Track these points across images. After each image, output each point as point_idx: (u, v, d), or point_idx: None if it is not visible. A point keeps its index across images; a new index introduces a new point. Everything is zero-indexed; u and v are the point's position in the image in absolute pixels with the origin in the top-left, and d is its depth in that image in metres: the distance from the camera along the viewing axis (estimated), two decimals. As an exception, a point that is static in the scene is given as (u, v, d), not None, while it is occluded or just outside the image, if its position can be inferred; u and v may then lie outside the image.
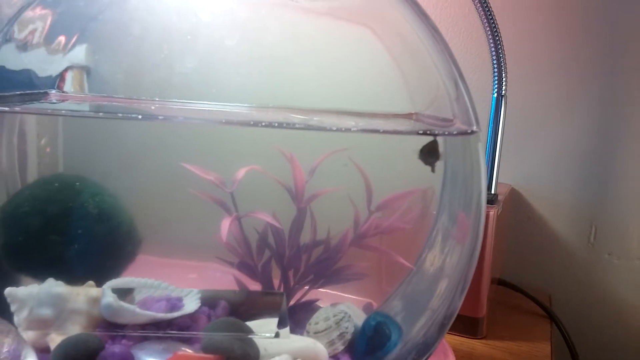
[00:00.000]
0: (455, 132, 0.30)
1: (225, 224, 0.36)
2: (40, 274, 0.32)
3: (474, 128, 0.30)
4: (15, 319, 0.31)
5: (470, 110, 0.32)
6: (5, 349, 0.26)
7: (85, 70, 0.37)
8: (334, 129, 0.35)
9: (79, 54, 0.37)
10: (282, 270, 0.38)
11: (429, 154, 0.29)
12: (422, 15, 0.36)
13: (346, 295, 0.38)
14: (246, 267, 0.37)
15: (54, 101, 0.36)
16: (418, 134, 0.32)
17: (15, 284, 0.33)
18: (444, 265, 0.33)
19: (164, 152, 0.36)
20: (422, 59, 0.36)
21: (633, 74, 0.58)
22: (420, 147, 0.35)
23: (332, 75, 0.41)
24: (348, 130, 0.34)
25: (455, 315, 0.32)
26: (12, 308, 0.30)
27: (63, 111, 0.34)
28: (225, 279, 0.38)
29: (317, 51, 0.40)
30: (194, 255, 0.37)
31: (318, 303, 0.38)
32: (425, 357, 0.31)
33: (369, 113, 0.40)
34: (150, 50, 0.37)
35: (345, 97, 0.41)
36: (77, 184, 0.34)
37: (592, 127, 0.60)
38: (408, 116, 0.40)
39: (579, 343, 0.57)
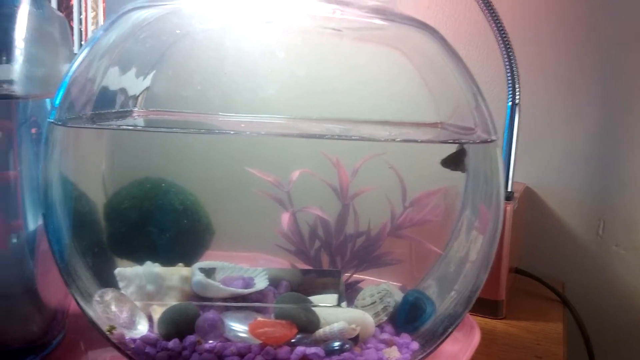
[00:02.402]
0: (478, 141, 0.37)
1: (285, 217, 0.42)
2: (138, 258, 0.40)
3: (493, 137, 0.36)
4: (123, 292, 0.38)
5: (489, 120, 0.38)
6: (124, 314, 0.33)
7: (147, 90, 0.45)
8: (375, 139, 0.42)
9: (155, 77, 0.45)
10: (330, 257, 0.44)
11: (455, 162, 0.35)
12: (442, 39, 0.42)
13: (381, 280, 0.45)
14: (301, 253, 0.44)
15: (136, 117, 0.44)
16: (449, 143, 0.38)
17: (118, 266, 0.40)
18: (469, 251, 0.39)
19: (231, 159, 0.43)
20: (445, 75, 0.42)
21: (632, 81, 0.63)
22: (445, 154, 0.42)
23: (369, 91, 0.48)
24: (392, 140, 0.41)
25: (479, 291, 0.38)
26: (121, 284, 0.38)
27: (150, 127, 0.42)
28: (279, 265, 0.45)
29: (356, 70, 0.48)
30: (255, 244, 0.45)
31: (360, 285, 0.44)
32: (454, 326, 0.37)
33: (400, 122, 0.47)
34: (207, 70, 0.44)
35: (378, 109, 0.48)
36: (164, 184, 0.42)
37: (597, 130, 0.66)
38: (434, 125, 0.47)
39: (590, 325, 0.62)
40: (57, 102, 0.32)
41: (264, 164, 0.43)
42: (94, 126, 0.35)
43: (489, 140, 0.36)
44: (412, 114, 0.46)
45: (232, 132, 0.40)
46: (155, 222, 0.40)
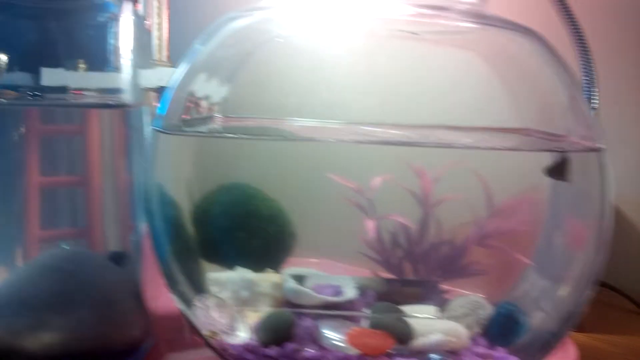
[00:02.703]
0: (582, 149, 0.35)
1: (370, 225, 0.42)
2: (228, 264, 0.40)
3: (599, 145, 0.35)
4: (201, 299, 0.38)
5: (591, 126, 0.37)
6: (225, 320, 0.33)
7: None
8: (460, 146, 0.41)
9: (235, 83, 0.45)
10: (413, 266, 0.44)
11: (560, 171, 0.34)
12: (537, 40, 0.40)
13: (463, 291, 0.44)
14: (384, 262, 0.44)
15: (218, 123, 0.44)
16: (549, 151, 0.37)
17: (207, 270, 0.41)
18: (568, 265, 0.38)
19: (310, 165, 0.43)
20: (535, 79, 0.41)
21: None
22: (532, 161, 0.41)
23: (446, 96, 0.47)
24: (477, 148, 0.40)
25: (581, 307, 0.37)
26: (214, 290, 0.38)
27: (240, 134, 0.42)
28: (357, 273, 0.44)
29: (432, 75, 0.47)
30: (336, 251, 0.44)
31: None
32: (556, 341, 0.36)
33: (480, 127, 0.46)
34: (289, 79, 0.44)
35: (455, 114, 0.47)
36: (251, 190, 0.42)
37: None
38: (517, 131, 0.46)
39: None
40: (162, 110, 0.33)
41: (342, 170, 0.43)
42: (197, 134, 0.35)
43: (594, 148, 0.35)
44: (492, 118, 0.45)
45: (320, 140, 0.40)
46: (244, 228, 0.40)
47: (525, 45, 0.39)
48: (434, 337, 0.34)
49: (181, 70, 0.34)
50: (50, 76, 0.29)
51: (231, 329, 0.33)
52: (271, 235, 0.41)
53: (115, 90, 0.31)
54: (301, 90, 0.44)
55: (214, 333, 0.33)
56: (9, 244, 0.36)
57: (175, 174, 0.37)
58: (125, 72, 0.31)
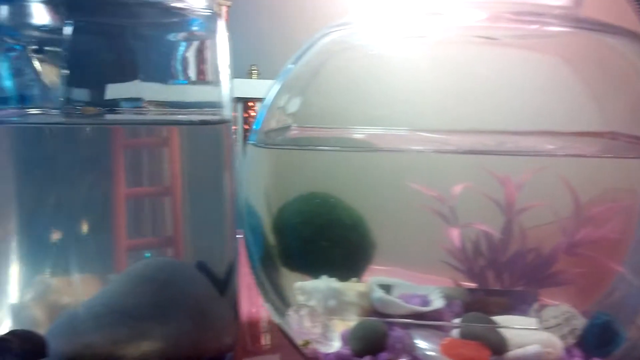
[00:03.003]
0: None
1: (454, 233, 0.42)
2: (312, 273, 0.40)
3: None
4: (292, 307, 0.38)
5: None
6: (318, 330, 0.33)
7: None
8: (544, 153, 0.40)
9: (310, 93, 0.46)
10: (497, 275, 0.43)
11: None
12: (626, 33, 0.39)
13: (551, 301, 0.42)
14: (467, 271, 0.43)
15: (294, 133, 0.45)
16: (635, 158, 0.36)
17: (289, 279, 0.41)
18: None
19: (387, 173, 0.43)
20: (623, 79, 0.40)
21: None
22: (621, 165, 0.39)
23: (524, 101, 0.46)
24: (564, 155, 0.39)
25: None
26: (301, 299, 0.38)
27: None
28: (437, 282, 0.44)
29: (510, 80, 0.46)
30: (416, 260, 0.44)
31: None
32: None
33: (561, 132, 0.45)
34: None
35: (534, 119, 0.46)
36: (332, 199, 0.42)
37: None
38: (603, 135, 0.44)
39: None
40: (257, 125, 0.34)
41: (420, 177, 0.43)
42: (287, 147, 0.36)
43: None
44: (576, 122, 0.44)
45: (401, 150, 0.40)
46: (327, 237, 0.40)
47: (617, 47, 0.38)
48: (531, 349, 0.33)
49: (274, 88, 0.35)
50: (150, 91, 0.30)
51: (324, 338, 0.33)
52: (353, 244, 0.40)
53: (218, 105, 0.32)
54: (380, 100, 0.44)
55: (307, 342, 0.33)
56: (100, 254, 0.37)
57: (261, 185, 0.38)
58: (224, 87, 0.32)
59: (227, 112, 0.32)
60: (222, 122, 0.32)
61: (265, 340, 0.40)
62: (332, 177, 0.40)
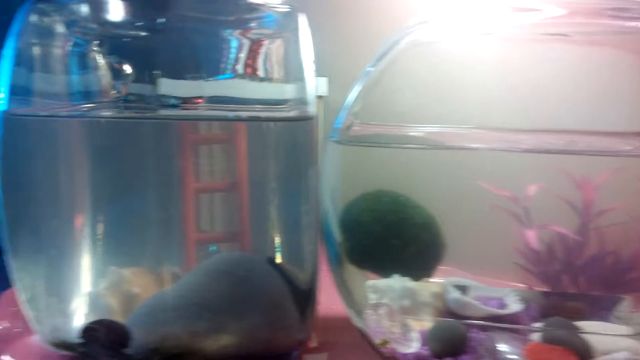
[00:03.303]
0: None
1: (531, 234, 0.40)
2: (383, 271, 0.40)
3: None
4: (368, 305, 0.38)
5: None
6: (397, 329, 0.33)
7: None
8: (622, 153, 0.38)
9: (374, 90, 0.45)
10: (572, 278, 0.41)
11: None
12: None
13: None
14: (540, 273, 0.42)
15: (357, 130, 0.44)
16: None
17: (356, 277, 0.41)
18: None
19: (455, 172, 0.42)
20: None
21: None
22: None
23: (595, 99, 0.44)
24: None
25: None
26: (373, 297, 0.38)
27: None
28: (509, 284, 0.43)
29: (582, 77, 0.44)
30: (487, 261, 0.43)
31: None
32: None
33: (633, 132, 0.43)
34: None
35: (606, 118, 0.44)
36: (401, 198, 0.42)
37: None
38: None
39: None
40: (338, 123, 0.34)
41: (490, 177, 0.42)
42: (370, 144, 0.36)
43: None
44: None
45: (475, 148, 0.39)
46: (399, 236, 0.40)
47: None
48: (619, 356, 0.32)
49: (355, 89, 0.35)
50: (238, 88, 0.31)
51: (403, 338, 0.32)
52: (424, 244, 0.40)
53: (302, 102, 0.32)
54: (449, 98, 0.43)
55: (385, 341, 0.33)
56: (171, 247, 0.38)
57: (331, 183, 0.37)
58: (308, 84, 0.31)
59: (311, 109, 0.32)
60: (308, 118, 0.32)
61: (339, 338, 0.40)
62: (403, 175, 0.39)
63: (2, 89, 0.30)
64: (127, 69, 0.35)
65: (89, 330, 0.30)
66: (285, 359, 0.40)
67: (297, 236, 0.34)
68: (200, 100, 0.32)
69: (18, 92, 0.30)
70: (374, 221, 0.40)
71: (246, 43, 0.32)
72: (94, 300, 0.37)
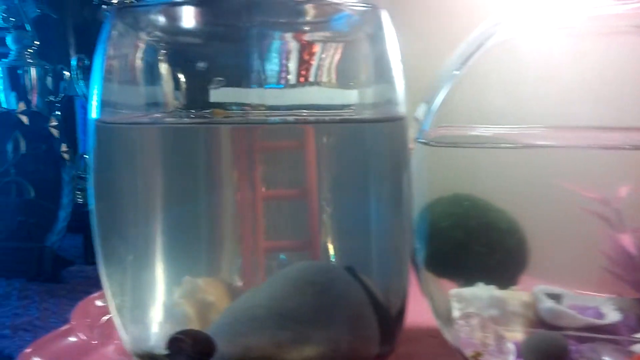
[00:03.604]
0: None
1: (626, 239, 0.38)
2: (464, 279, 0.38)
3: None
4: (458, 315, 0.37)
5: None
6: (491, 341, 0.31)
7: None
8: None
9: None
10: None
11: None
12: None
13: None
14: (634, 281, 0.39)
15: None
16: None
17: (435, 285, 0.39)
18: None
19: (536, 172, 0.40)
20: None
21: None
22: None
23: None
24: None
25: None
26: (457, 306, 0.36)
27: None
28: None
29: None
30: (575, 267, 0.41)
31: None
32: None
33: None
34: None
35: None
36: (481, 202, 0.40)
37: None
38: None
39: None
40: (425, 125, 0.33)
41: (575, 178, 0.40)
42: (463, 145, 0.34)
43: None
44: None
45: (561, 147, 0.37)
46: (482, 242, 0.38)
47: None
48: None
49: (442, 92, 0.34)
50: (320, 95, 0.30)
51: (498, 350, 0.30)
52: (510, 250, 0.38)
53: (392, 103, 0.31)
54: (534, 97, 0.41)
55: (478, 354, 0.31)
56: (241, 256, 0.37)
57: (417, 187, 0.36)
58: (397, 83, 0.30)
59: (402, 109, 0.31)
60: (399, 118, 0.31)
61: (427, 349, 0.38)
62: (488, 178, 0.38)
63: (95, 97, 0.30)
64: (206, 77, 0.34)
65: (175, 341, 0.30)
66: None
67: (387, 244, 0.33)
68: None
69: (106, 102, 0.31)
70: (454, 227, 0.39)
71: (327, 46, 0.31)
72: (171, 309, 0.36)
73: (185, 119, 0.33)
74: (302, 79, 0.32)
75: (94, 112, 0.31)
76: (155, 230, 0.35)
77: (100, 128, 0.31)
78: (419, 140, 0.34)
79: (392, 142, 0.31)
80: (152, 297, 0.35)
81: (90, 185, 0.33)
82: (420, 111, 0.35)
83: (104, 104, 0.30)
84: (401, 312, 0.34)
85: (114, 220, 0.33)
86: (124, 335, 0.33)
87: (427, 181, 0.35)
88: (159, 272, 0.35)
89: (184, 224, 0.35)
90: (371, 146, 0.31)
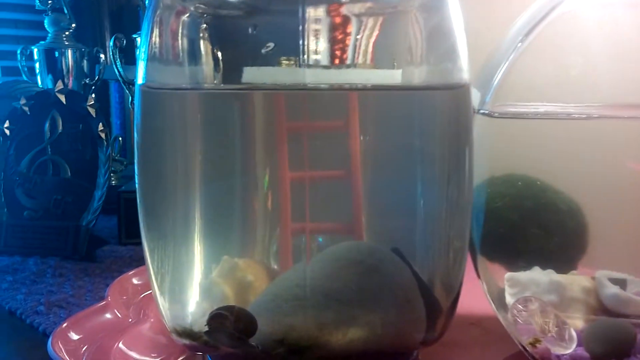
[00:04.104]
0: None
1: None
2: (519, 263, 0.36)
3: None
4: (514, 300, 0.34)
5: None
6: (552, 327, 0.29)
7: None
8: None
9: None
10: None
11: None
12: None
13: None
14: None
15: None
16: None
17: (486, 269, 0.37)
18: None
19: (606, 153, 0.37)
20: None
21: None
22: None
23: None
24: None
25: None
26: (511, 291, 0.34)
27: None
28: None
29: None
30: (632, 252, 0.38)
31: None
32: None
33: None
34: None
35: None
36: (539, 182, 0.38)
37: None
38: None
39: None
40: (486, 97, 0.31)
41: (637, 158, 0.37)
42: (529, 116, 0.32)
43: None
44: None
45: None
46: (540, 224, 0.36)
47: None
48: None
49: (504, 62, 0.31)
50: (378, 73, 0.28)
51: (559, 337, 0.28)
52: (570, 232, 0.36)
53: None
54: (598, 71, 0.38)
55: (537, 340, 0.29)
56: (282, 237, 0.36)
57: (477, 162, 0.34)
58: (461, 49, 0.28)
59: (465, 76, 0.29)
60: (462, 86, 0.28)
61: (468, 337, 0.36)
62: (547, 155, 0.35)
63: (143, 61, 0.29)
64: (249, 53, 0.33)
65: (218, 317, 0.28)
66: (406, 358, 0.37)
67: (443, 227, 0.31)
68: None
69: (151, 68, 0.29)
70: (508, 208, 0.37)
71: (379, 18, 0.29)
72: (209, 289, 0.35)
73: (230, 86, 0.31)
74: (350, 58, 0.31)
75: (140, 78, 0.30)
76: (195, 204, 0.33)
77: (145, 94, 0.30)
78: (480, 111, 0.31)
79: (454, 112, 0.29)
80: (192, 274, 0.34)
81: (135, 158, 0.32)
82: (481, 81, 0.33)
83: (149, 69, 0.29)
84: (455, 300, 0.32)
85: (157, 193, 0.32)
86: (164, 311, 0.32)
87: (485, 157, 0.33)
88: (198, 249, 0.34)
89: (225, 200, 0.33)
90: (432, 117, 0.29)
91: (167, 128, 0.30)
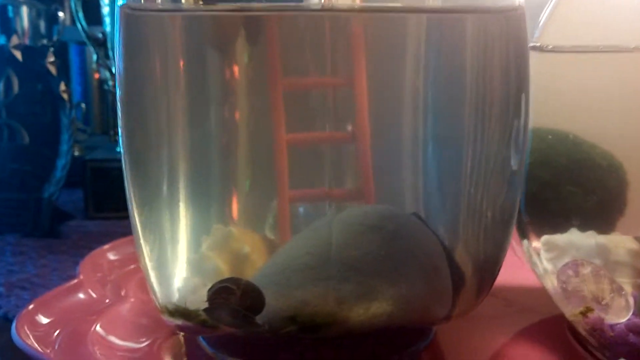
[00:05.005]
0: None
1: None
2: (557, 224, 0.32)
3: None
4: (551, 266, 0.31)
5: None
6: (607, 294, 0.25)
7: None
8: None
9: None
10: None
11: None
12: None
13: None
14: None
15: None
16: None
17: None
18: None
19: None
20: None
21: None
22: None
23: None
24: None
25: None
26: (548, 255, 0.31)
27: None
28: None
29: None
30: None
31: None
32: None
33: None
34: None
35: None
36: (571, 136, 0.34)
37: None
38: None
39: None
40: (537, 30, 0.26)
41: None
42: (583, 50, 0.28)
43: None
44: None
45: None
46: (576, 181, 0.32)
47: None
48: None
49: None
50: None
51: (613, 305, 0.25)
52: (611, 190, 0.32)
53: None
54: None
55: (589, 309, 0.26)
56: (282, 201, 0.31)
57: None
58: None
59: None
60: (515, 9, 0.24)
61: (489, 309, 0.33)
62: (596, 99, 0.32)
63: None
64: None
65: (221, 291, 0.24)
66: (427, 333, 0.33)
67: (500, 185, 0.26)
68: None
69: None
70: (538, 164, 0.33)
71: None
72: (199, 263, 0.30)
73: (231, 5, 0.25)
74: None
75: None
76: (181, 159, 0.28)
77: (127, 17, 0.24)
78: (532, 43, 0.27)
79: (506, 40, 0.25)
80: (182, 245, 0.29)
81: (118, 97, 0.26)
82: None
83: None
84: (492, 273, 0.28)
85: (142, 143, 0.27)
86: (155, 288, 0.27)
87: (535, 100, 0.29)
88: (190, 213, 0.29)
89: (215, 153, 0.28)
90: (479, 46, 0.24)
91: (152, 57, 0.25)
